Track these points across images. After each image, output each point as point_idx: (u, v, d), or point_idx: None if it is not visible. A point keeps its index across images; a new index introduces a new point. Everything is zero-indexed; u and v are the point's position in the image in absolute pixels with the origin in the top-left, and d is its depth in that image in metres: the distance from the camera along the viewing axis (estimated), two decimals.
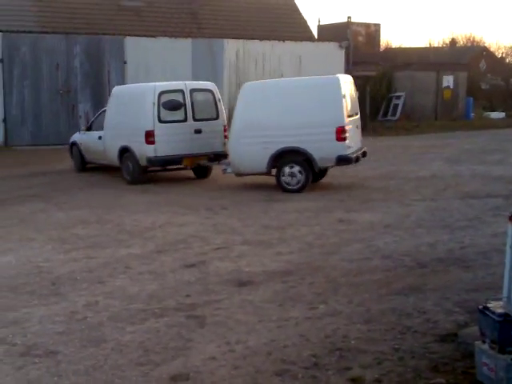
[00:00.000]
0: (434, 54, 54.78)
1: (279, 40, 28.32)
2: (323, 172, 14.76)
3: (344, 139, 13.50)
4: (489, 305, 5.40)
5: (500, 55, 62.78)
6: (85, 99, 25.78)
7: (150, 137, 14.95)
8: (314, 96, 13.82)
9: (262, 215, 11.80)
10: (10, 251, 9.52)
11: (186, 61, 26.55)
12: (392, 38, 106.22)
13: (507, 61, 61.82)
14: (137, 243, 9.87)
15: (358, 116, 14.89)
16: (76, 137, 18.16)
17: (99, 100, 25.67)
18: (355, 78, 31.03)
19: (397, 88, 35.43)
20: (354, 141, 14.12)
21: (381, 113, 34.76)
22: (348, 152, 13.68)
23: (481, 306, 5.46)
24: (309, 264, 8.63)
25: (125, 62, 26.00)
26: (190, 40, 27.07)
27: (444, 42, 64.89)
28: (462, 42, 64.94)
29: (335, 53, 29.05)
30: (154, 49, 26.06)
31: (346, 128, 13.55)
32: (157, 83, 15.89)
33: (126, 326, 6.55)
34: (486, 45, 63.33)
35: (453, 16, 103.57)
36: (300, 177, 13.90)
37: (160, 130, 15.04)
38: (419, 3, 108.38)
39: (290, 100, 13.93)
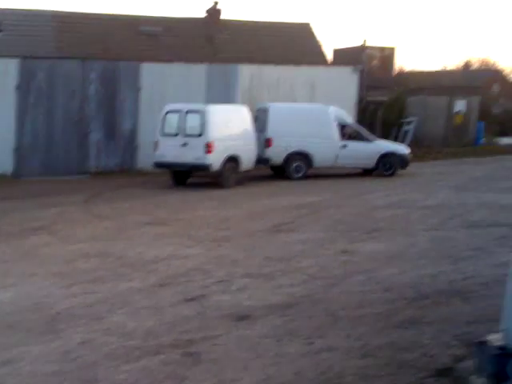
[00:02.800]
0: (447, 78, 54.72)
1: (294, 64, 28.34)
2: None
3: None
4: (487, 338, 5.36)
5: None
6: (98, 127, 25.71)
7: None
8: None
9: (265, 246, 11.76)
10: (10, 286, 9.52)
11: (201, 86, 26.55)
12: (405, 61, 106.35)
13: None
14: (138, 277, 9.85)
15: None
16: None
17: (111, 129, 25.68)
18: (368, 103, 31.31)
19: (409, 113, 35.34)
20: None
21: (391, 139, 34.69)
22: None
23: (478, 340, 5.41)
24: (309, 297, 8.57)
25: (139, 89, 26.03)
26: (204, 65, 27.14)
27: (457, 66, 64.87)
28: (475, 66, 64.84)
29: (349, 77, 28.97)
30: (169, 75, 26.06)
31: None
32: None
33: (120, 364, 6.50)
34: (500, 68, 63.24)
35: (468, 40, 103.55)
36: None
37: None
38: (434, 27, 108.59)
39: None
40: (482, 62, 65.84)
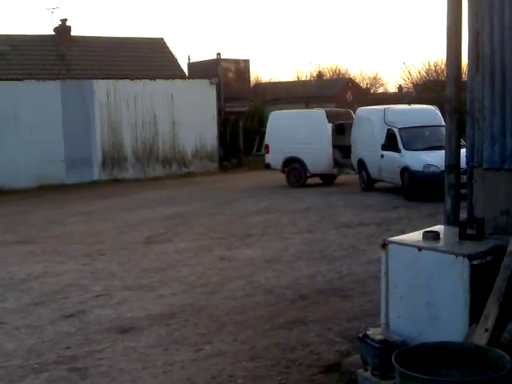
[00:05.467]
0: (302, 88, 56.21)
1: (150, 79, 28.28)
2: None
3: None
4: (368, 332, 5.54)
5: (365, 86, 65.19)
6: None
7: None
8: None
9: (142, 258, 11.65)
10: None
11: (56, 103, 25.99)
12: (261, 72, 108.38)
13: (371, 91, 64.25)
14: (12, 296, 9.48)
15: None
16: None
17: None
18: (228, 114, 31.80)
19: None
20: None
21: (255, 147, 35.28)
22: None
23: (360, 335, 5.59)
24: (192, 305, 8.58)
25: None
26: (58, 82, 26.55)
27: (311, 75, 66.77)
28: (328, 75, 67.02)
29: (207, 89, 29.28)
30: (21, 93, 25.36)
31: None
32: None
33: None
34: (351, 76, 65.66)
35: (318, 48, 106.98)
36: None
37: None
38: (285, 37, 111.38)
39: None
40: (335, 70, 68.20)
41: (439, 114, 18.51)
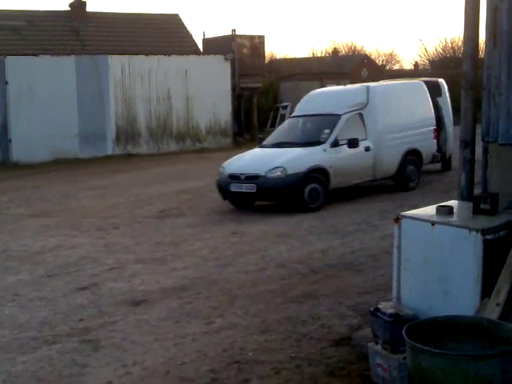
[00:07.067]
0: (317, 64, 55.91)
1: (165, 54, 28.20)
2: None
3: None
4: (379, 306, 5.53)
5: (380, 63, 64.81)
6: None
7: None
8: None
9: (155, 232, 11.68)
10: None
11: (71, 78, 26.02)
12: (276, 49, 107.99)
13: (387, 68, 63.89)
14: (25, 269, 9.55)
15: None
16: None
17: None
18: (242, 90, 31.74)
19: (283, 98, 35.96)
20: None
21: (269, 123, 35.19)
22: None
23: (372, 308, 5.58)
24: (204, 278, 8.61)
25: (6, 83, 25.18)
26: (73, 57, 26.54)
27: (327, 52, 66.44)
28: (343, 51, 66.61)
29: (221, 65, 29.18)
30: (36, 68, 25.37)
31: None
32: None
33: (16, 356, 6.30)
34: (366, 53, 65.23)
35: (334, 25, 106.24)
36: None
37: None
38: (301, 14, 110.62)
39: None
40: (350, 47, 67.78)
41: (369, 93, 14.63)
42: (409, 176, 14.89)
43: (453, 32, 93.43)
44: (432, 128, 15.76)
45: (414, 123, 15.18)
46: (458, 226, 5.28)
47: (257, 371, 5.68)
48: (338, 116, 13.97)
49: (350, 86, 16.25)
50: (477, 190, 6.14)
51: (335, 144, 13.54)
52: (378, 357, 5.34)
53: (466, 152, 6.41)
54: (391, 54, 67.41)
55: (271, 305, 7.40)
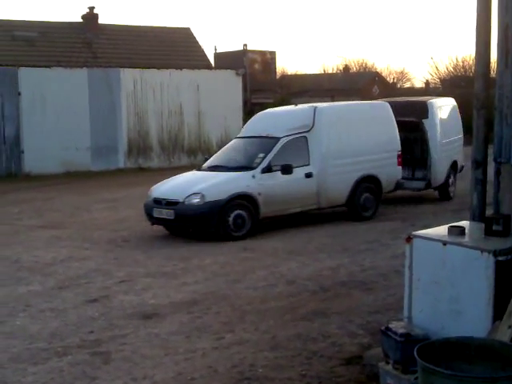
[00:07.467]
0: (328, 80, 56.11)
1: (176, 68, 28.35)
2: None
3: None
4: (390, 325, 5.54)
5: (391, 80, 64.92)
6: None
7: None
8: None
9: (165, 246, 11.72)
10: None
11: (83, 91, 26.18)
12: (287, 64, 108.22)
13: (398, 86, 63.97)
14: (37, 280, 9.61)
15: None
16: None
17: None
18: (253, 105, 31.85)
19: None
20: None
21: None
22: None
23: (383, 328, 5.59)
24: (214, 293, 8.63)
25: (19, 94, 25.36)
26: (85, 70, 26.73)
27: (338, 68, 66.63)
28: (355, 68, 66.82)
29: (233, 80, 29.32)
30: (49, 79, 25.55)
31: None
32: None
33: (27, 366, 6.34)
34: (377, 70, 65.41)
35: (345, 42, 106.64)
36: None
37: None
38: (312, 30, 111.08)
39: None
40: (361, 64, 67.97)
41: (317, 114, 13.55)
42: (363, 204, 13.75)
43: (464, 50, 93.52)
44: (395, 153, 14.38)
45: (372, 147, 13.96)
46: (469, 247, 5.29)
47: None
48: (277, 139, 13.02)
49: (299, 107, 14.63)
50: (489, 211, 6.15)
51: (268, 169, 12.56)
52: (388, 377, 5.34)
53: (477, 173, 6.42)
54: (402, 72, 67.46)
55: (281, 321, 7.41)
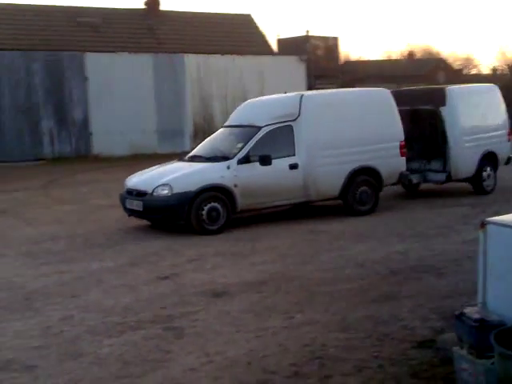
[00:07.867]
0: (392, 67, 55.46)
1: (240, 54, 28.40)
2: None
3: None
4: (465, 311, 5.48)
5: (457, 67, 63.81)
6: (48, 116, 25.49)
7: None
8: None
9: (232, 228, 11.82)
10: None
11: (148, 75, 26.50)
12: (351, 50, 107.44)
13: (464, 72, 62.84)
14: (109, 256, 9.81)
15: None
16: None
17: (62, 117, 25.51)
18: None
19: None
20: None
21: None
22: None
23: (457, 312, 5.53)
24: (283, 274, 8.66)
25: (86, 78, 25.83)
26: (150, 55, 27.02)
27: (402, 54, 65.77)
28: (419, 55, 65.87)
29: (296, 66, 29.27)
30: (114, 64, 25.95)
31: None
32: None
33: (103, 339, 6.49)
34: (443, 56, 64.36)
35: (409, 27, 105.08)
36: None
37: None
38: (376, 15, 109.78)
39: None
40: (425, 50, 66.95)
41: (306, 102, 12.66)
42: (359, 198, 12.74)
43: None
44: (397, 143, 13.26)
45: (369, 137, 12.96)
46: None
47: (339, 368, 5.68)
48: (258, 128, 12.21)
49: (286, 95, 13.55)
50: None
51: (245, 160, 11.82)
52: (463, 361, 5.28)
53: None
54: (468, 59, 66.21)
55: (351, 303, 7.39)
